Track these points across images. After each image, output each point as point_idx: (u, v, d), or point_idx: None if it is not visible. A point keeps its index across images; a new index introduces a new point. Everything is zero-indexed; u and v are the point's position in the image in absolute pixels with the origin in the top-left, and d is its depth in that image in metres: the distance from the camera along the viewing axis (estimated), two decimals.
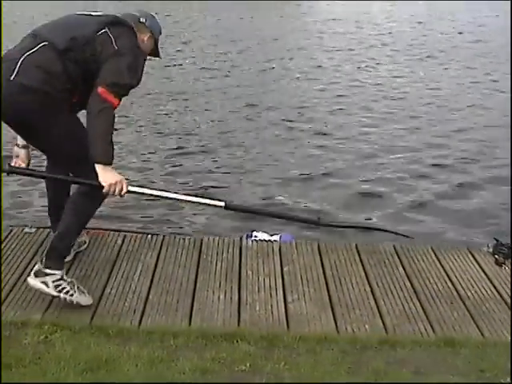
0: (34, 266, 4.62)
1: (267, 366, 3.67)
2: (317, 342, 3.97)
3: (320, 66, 17.93)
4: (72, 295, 4.20)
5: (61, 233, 4.26)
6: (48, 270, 4.14)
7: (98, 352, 3.69)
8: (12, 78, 3.96)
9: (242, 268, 4.93)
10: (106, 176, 4.01)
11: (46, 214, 4.96)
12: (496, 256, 5.22)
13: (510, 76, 15.55)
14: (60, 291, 4.16)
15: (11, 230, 5.30)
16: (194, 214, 7.58)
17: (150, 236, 5.33)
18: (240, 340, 3.93)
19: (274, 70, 17.31)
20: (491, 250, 5.31)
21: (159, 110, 12.83)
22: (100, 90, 3.95)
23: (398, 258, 5.18)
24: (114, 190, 4.05)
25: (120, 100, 4.06)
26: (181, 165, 9.54)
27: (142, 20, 4.49)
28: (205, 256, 5.06)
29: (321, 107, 13.22)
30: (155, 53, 4.67)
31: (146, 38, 4.49)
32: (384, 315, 4.40)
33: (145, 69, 4.31)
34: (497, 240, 5.37)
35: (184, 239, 5.32)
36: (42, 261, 4.17)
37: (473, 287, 4.81)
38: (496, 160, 10.11)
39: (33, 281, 4.17)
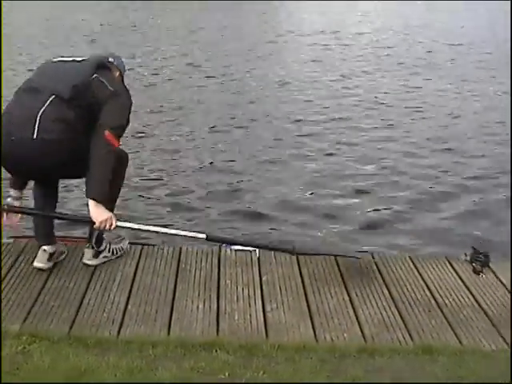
0: (11, 276, 4.64)
1: (246, 375, 3.67)
2: (296, 350, 3.98)
3: (320, 79, 17.30)
4: (122, 249, 5.15)
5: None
6: (102, 248, 4.97)
7: (77, 362, 3.67)
8: (35, 137, 4.24)
9: (221, 277, 4.92)
10: (98, 213, 4.42)
11: (23, 224, 5.00)
12: (473, 264, 5.26)
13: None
14: (116, 253, 5.08)
15: None
16: (174, 224, 7.57)
17: (128, 246, 5.31)
18: (219, 349, 3.93)
19: (262, 83, 16.58)
20: (469, 258, 5.34)
21: (150, 124, 12.30)
22: (107, 133, 4.34)
23: (376, 266, 5.20)
24: (105, 226, 4.47)
25: (119, 141, 4.46)
26: (173, 184, 9.28)
27: (110, 60, 4.84)
28: (183, 266, 5.05)
29: (323, 124, 12.75)
30: None
31: (116, 76, 4.80)
32: (362, 324, 4.41)
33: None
34: (474, 248, 5.40)
35: (163, 249, 5.31)
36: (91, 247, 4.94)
37: (450, 295, 4.84)
38: (473, 169, 10.19)
39: (96, 261, 4.96)
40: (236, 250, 5.38)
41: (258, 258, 5.22)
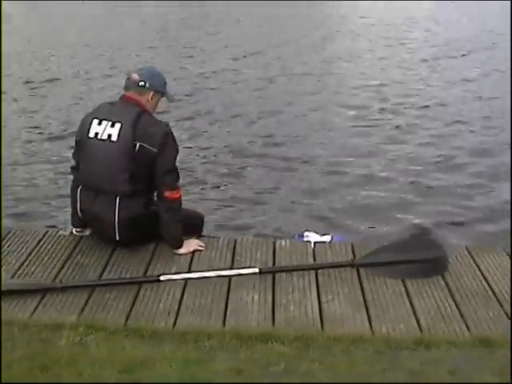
0: (68, 267, 4.69)
1: (302, 367, 3.66)
2: (351, 342, 3.96)
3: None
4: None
5: None
6: None
7: (133, 353, 3.71)
8: None
9: None
10: (185, 250, 5.12)
11: None
12: None
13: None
14: None
15: (46, 232, 5.34)
16: (235, 215, 7.62)
17: (184, 237, 5.33)
18: (274, 341, 3.93)
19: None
20: None
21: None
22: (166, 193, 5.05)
23: None
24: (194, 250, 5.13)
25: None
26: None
27: (141, 83, 4.97)
28: (238, 257, 5.06)
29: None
30: None
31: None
32: (419, 315, 4.37)
33: None
34: None
35: (217, 240, 5.33)
36: None
37: (508, 286, 4.76)
38: None
39: None
40: (291, 241, 5.38)
41: (313, 249, 5.21)
